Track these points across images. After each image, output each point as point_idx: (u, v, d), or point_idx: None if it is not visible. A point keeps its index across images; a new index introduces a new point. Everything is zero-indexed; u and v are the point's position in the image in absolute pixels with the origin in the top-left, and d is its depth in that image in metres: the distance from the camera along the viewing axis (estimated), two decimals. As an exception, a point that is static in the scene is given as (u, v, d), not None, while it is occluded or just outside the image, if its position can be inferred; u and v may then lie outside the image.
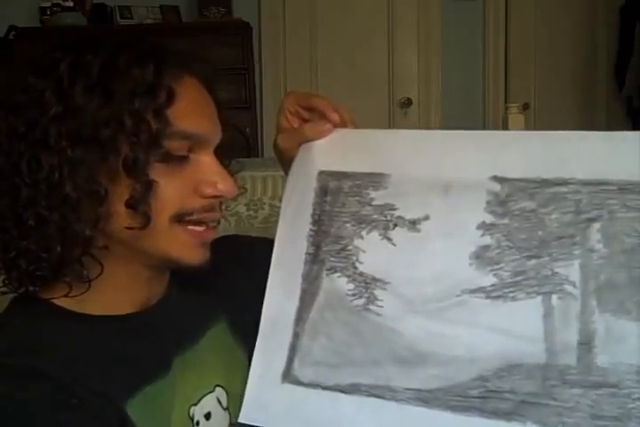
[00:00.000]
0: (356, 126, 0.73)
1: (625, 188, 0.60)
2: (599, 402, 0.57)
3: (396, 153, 0.69)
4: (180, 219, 0.66)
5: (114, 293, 0.68)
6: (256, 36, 3.30)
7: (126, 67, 0.63)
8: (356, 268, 0.68)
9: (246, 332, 0.72)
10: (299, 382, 0.68)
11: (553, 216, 0.62)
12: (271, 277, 0.71)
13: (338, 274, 0.68)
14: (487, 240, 0.63)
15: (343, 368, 0.66)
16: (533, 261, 0.61)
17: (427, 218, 0.66)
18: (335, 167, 0.71)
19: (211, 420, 0.72)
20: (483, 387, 0.61)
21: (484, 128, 3.35)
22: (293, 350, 0.69)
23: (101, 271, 0.65)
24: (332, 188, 0.71)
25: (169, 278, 0.75)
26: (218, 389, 0.73)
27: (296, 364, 0.68)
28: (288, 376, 0.68)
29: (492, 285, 0.62)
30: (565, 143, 0.63)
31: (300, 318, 0.69)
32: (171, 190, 0.65)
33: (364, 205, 0.69)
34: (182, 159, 0.66)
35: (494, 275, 0.62)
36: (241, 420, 0.69)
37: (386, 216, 0.68)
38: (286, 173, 0.75)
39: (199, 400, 0.71)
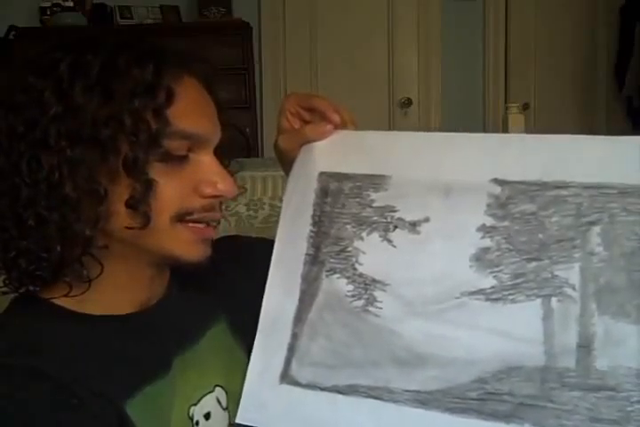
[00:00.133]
0: (357, 127, 0.73)
1: (625, 191, 0.60)
2: (598, 405, 0.57)
3: (397, 155, 0.69)
4: (181, 218, 0.66)
5: (114, 292, 0.68)
6: (256, 36, 3.30)
7: (126, 67, 0.63)
8: (355, 269, 0.68)
9: (246, 332, 0.72)
10: (296, 383, 0.68)
11: (553, 219, 0.62)
12: (270, 278, 0.71)
13: (337, 275, 0.68)
14: (487, 242, 0.63)
15: (342, 369, 0.66)
16: (533, 264, 0.61)
17: (427, 220, 0.66)
18: (336, 168, 0.71)
19: (210, 420, 0.72)
20: (481, 389, 0.61)
21: (483, 128, 3.35)
22: (292, 350, 0.69)
23: (101, 271, 0.65)
24: (333, 189, 0.71)
25: (169, 278, 0.76)
26: (217, 389, 0.73)
27: (294, 365, 0.68)
28: (286, 377, 0.68)
29: (492, 287, 0.62)
30: (566, 146, 0.63)
31: (299, 318, 0.69)
32: (170, 190, 0.65)
33: (365, 207, 0.69)
34: (182, 159, 0.66)
35: (494, 277, 0.62)
36: (238, 420, 0.69)
37: (386, 218, 0.68)
38: (287, 174, 0.76)
39: (199, 400, 0.71)
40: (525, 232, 0.62)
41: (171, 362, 0.70)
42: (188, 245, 0.67)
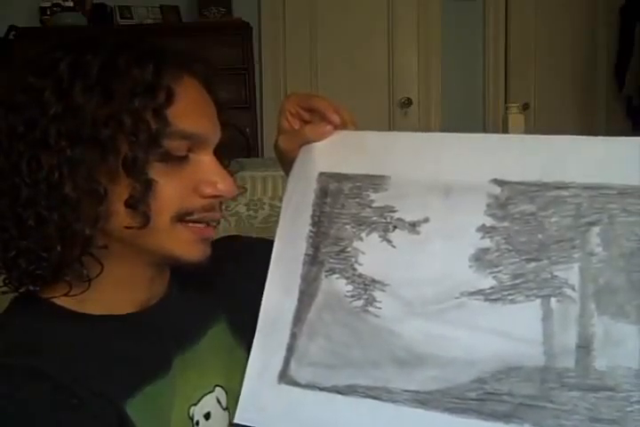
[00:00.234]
0: (357, 127, 0.73)
1: (625, 192, 0.60)
2: (597, 405, 0.57)
3: (397, 155, 0.69)
4: (181, 218, 0.66)
5: (114, 292, 0.69)
6: (256, 36, 3.30)
7: (126, 67, 0.63)
8: (355, 269, 0.68)
9: (246, 332, 0.72)
10: (295, 383, 0.68)
11: (553, 219, 0.62)
12: (270, 278, 0.71)
13: (337, 275, 0.68)
14: (487, 243, 0.63)
15: (341, 369, 0.66)
16: (533, 264, 0.61)
17: (426, 220, 0.66)
18: (335, 169, 0.71)
19: (210, 420, 0.72)
20: (481, 389, 0.61)
21: (483, 128, 3.35)
22: (291, 350, 0.69)
23: (101, 271, 0.65)
24: (333, 189, 0.71)
25: (169, 278, 0.76)
26: (217, 389, 0.73)
27: (293, 365, 0.68)
28: (285, 377, 0.68)
29: (492, 287, 0.62)
30: (566, 147, 0.63)
31: (298, 318, 0.69)
32: (170, 190, 0.65)
33: (364, 207, 0.69)
34: (182, 159, 0.66)
35: (493, 277, 0.62)
36: (236, 420, 0.69)
37: (386, 218, 0.68)
38: (287, 174, 0.76)
39: (199, 400, 0.71)
40: (525, 233, 0.62)
41: (171, 362, 0.70)
42: (188, 245, 0.67)
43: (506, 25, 3.41)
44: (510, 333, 0.61)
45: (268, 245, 0.73)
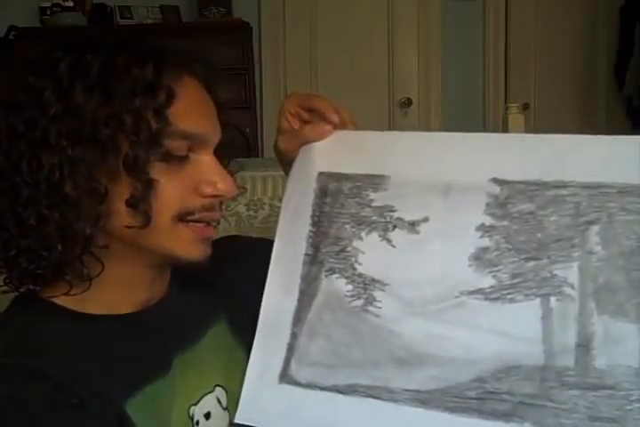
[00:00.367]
0: (357, 127, 0.73)
1: (624, 191, 0.60)
2: (597, 404, 0.57)
3: (396, 155, 0.69)
4: (182, 218, 0.66)
5: (114, 292, 0.69)
6: (256, 36, 3.30)
7: (126, 67, 0.63)
8: (354, 269, 0.68)
9: (246, 332, 0.72)
10: (296, 383, 0.68)
11: (552, 218, 0.62)
12: (270, 278, 0.71)
13: (337, 275, 0.68)
14: (486, 242, 0.63)
15: (341, 369, 0.67)
16: (532, 264, 0.61)
17: (426, 220, 0.66)
18: (335, 169, 0.71)
19: (210, 420, 0.72)
20: (481, 388, 0.61)
21: (484, 128, 3.35)
22: (291, 350, 0.69)
23: (102, 270, 0.65)
24: (332, 189, 0.71)
25: (169, 278, 0.76)
26: (218, 389, 0.73)
27: (293, 364, 0.68)
28: (285, 377, 0.68)
29: (491, 286, 0.62)
30: (565, 146, 0.63)
31: (299, 318, 0.69)
32: (171, 190, 0.65)
33: (364, 207, 0.69)
34: (182, 159, 0.66)
35: (493, 277, 0.62)
36: (237, 420, 0.69)
37: (385, 218, 0.68)
38: (287, 174, 0.76)
39: (199, 400, 0.71)
40: (524, 232, 0.62)
41: (171, 362, 0.70)
42: (188, 245, 0.67)
43: (506, 25, 3.41)
44: (510, 332, 0.61)
45: (267, 245, 0.73)
